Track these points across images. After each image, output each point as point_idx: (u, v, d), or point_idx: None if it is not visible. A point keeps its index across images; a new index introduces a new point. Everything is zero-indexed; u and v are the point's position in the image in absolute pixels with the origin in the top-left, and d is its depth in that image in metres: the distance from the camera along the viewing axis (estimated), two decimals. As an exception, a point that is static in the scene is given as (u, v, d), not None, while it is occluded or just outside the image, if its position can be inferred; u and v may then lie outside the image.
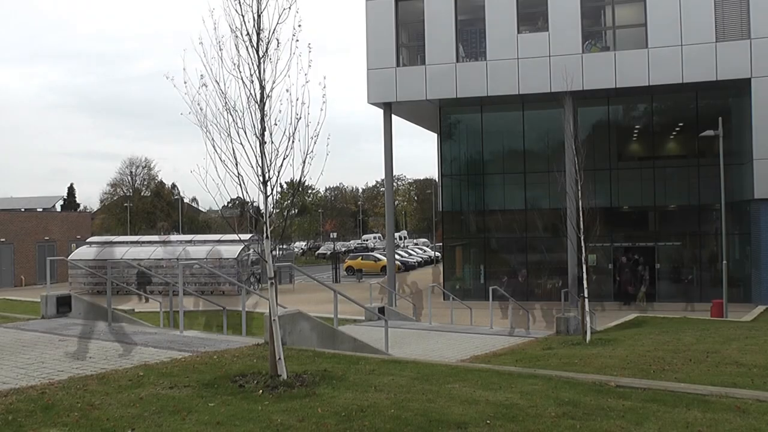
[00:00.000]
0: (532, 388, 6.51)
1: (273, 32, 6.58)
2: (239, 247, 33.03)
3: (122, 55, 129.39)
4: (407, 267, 50.93)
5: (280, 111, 6.64)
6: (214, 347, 8.88)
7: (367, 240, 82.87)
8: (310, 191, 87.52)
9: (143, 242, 38.72)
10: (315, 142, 6.72)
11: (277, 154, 6.68)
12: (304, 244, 75.63)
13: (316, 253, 71.66)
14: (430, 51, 28.54)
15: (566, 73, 20.98)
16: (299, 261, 61.84)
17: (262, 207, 6.88)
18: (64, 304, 12.38)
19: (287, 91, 6.56)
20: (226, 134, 6.67)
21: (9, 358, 8.31)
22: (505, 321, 18.92)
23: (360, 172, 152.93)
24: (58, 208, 55.33)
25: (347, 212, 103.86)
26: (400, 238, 74.48)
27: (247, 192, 6.82)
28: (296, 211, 67.28)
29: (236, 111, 6.66)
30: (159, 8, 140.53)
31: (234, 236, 34.05)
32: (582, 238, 13.67)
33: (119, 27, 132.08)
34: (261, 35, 6.59)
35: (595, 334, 14.49)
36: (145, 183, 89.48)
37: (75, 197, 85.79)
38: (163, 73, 6.85)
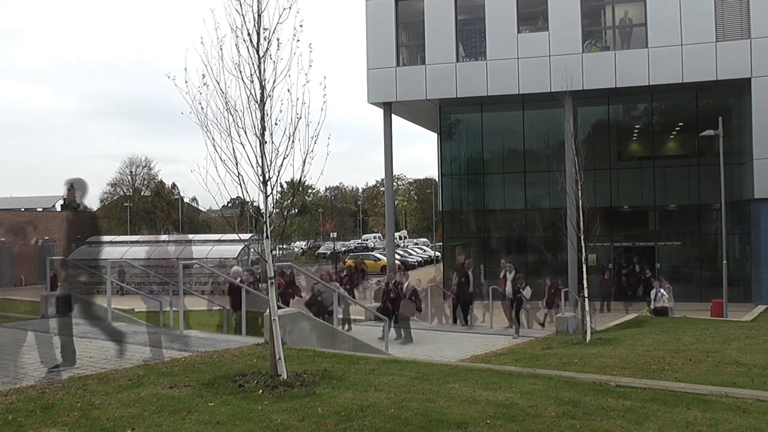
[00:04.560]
0: (532, 388, 6.51)
1: (273, 32, 6.58)
2: (239, 247, 33.04)
3: (123, 54, 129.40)
4: (407, 267, 50.90)
5: (280, 111, 6.64)
6: (214, 347, 8.88)
7: (367, 240, 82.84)
8: (310, 191, 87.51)
9: (143, 242, 38.73)
10: (315, 142, 6.72)
11: (277, 154, 6.68)
12: (304, 243, 75.62)
13: (316, 252, 71.68)
14: (430, 51, 28.53)
15: (566, 72, 20.99)
16: (299, 261, 61.83)
17: (262, 207, 6.88)
18: (64, 304, 12.35)
19: (288, 91, 6.56)
20: (227, 134, 6.67)
21: (9, 358, 8.31)
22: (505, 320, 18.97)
23: (360, 172, 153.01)
24: (58, 208, 55.34)
25: (347, 212, 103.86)
26: (400, 238, 74.46)
27: (247, 192, 6.83)
28: (296, 210, 67.28)
29: (236, 111, 6.66)
30: (160, 8, 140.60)
31: (234, 236, 34.12)
32: (582, 237, 13.67)
33: (119, 27, 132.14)
34: (261, 35, 6.58)
35: (595, 334, 14.49)
36: (145, 183, 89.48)
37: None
38: (164, 72, 6.85)
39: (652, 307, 22.21)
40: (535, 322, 20.63)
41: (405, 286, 15.40)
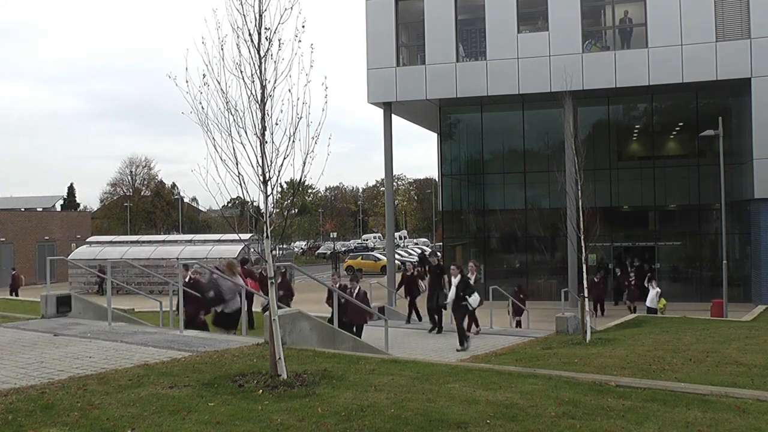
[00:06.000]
0: (532, 388, 6.51)
1: (275, 32, 6.58)
2: (239, 247, 33.02)
3: (124, 53, 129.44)
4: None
5: (281, 111, 6.64)
6: (214, 347, 8.88)
7: (367, 240, 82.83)
8: (310, 191, 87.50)
9: (143, 242, 38.73)
10: (316, 142, 6.72)
11: (277, 154, 6.68)
12: (304, 243, 75.67)
13: (316, 252, 71.65)
14: (430, 51, 28.54)
15: (566, 72, 20.99)
16: (299, 261, 61.83)
17: (262, 206, 6.88)
18: (64, 304, 12.37)
19: (289, 91, 6.56)
20: (227, 134, 6.67)
21: (9, 357, 8.31)
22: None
23: (360, 172, 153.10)
24: (58, 208, 55.38)
25: (347, 212, 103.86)
26: (400, 238, 74.44)
27: (247, 191, 6.82)
28: (296, 210, 67.25)
29: (237, 111, 6.66)
30: (162, 7, 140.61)
31: (234, 236, 34.11)
32: (582, 237, 13.66)
33: (119, 27, 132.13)
34: (263, 35, 6.58)
35: (595, 334, 14.49)
36: (145, 182, 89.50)
37: (75, 197, 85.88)
38: (165, 72, 6.86)
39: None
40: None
41: (356, 291, 14.09)
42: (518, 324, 20.50)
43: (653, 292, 22.18)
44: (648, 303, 22.33)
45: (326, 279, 37.86)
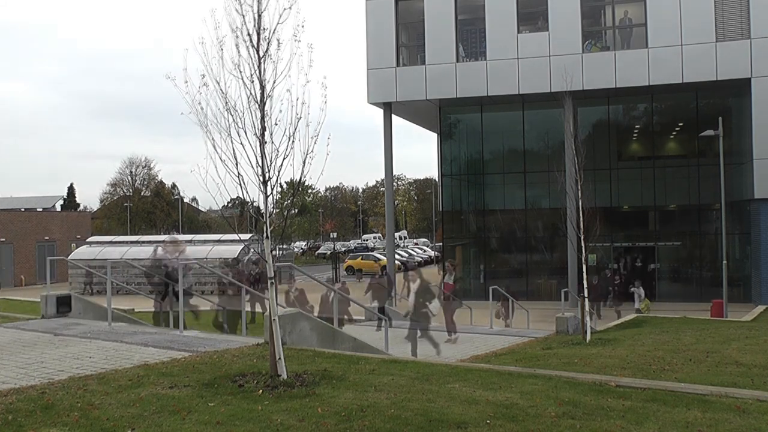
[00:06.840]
0: (532, 388, 6.51)
1: (273, 32, 6.58)
2: (239, 247, 33.02)
3: (123, 54, 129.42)
4: (407, 267, 50.87)
5: (280, 111, 6.64)
6: (214, 347, 8.88)
7: (367, 240, 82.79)
8: (310, 191, 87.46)
9: (143, 242, 38.68)
10: (315, 142, 6.72)
11: (277, 154, 6.68)
12: (304, 244, 75.63)
13: (316, 252, 71.61)
14: (430, 51, 28.54)
15: (566, 73, 20.98)
16: (299, 261, 61.83)
17: (262, 207, 6.88)
18: (64, 304, 12.37)
19: (288, 91, 6.56)
20: (227, 134, 6.67)
21: (9, 358, 8.32)
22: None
23: (360, 172, 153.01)
24: (58, 208, 55.34)
25: (347, 212, 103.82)
26: (400, 238, 74.40)
27: (247, 192, 6.81)
28: (296, 210, 67.24)
29: (236, 111, 6.66)
30: (161, 7, 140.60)
31: (234, 236, 34.07)
32: (582, 238, 13.66)
33: (120, 26, 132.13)
34: (261, 35, 6.58)
35: (595, 334, 14.49)
36: (145, 183, 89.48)
37: (75, 197, 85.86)
38: (164, 72, 6.85)
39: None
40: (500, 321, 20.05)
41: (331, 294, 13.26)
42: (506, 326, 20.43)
43: (636, 293, 22.58)
44: (635, 304, 22.69)
45: (326, 280, 37.88)
